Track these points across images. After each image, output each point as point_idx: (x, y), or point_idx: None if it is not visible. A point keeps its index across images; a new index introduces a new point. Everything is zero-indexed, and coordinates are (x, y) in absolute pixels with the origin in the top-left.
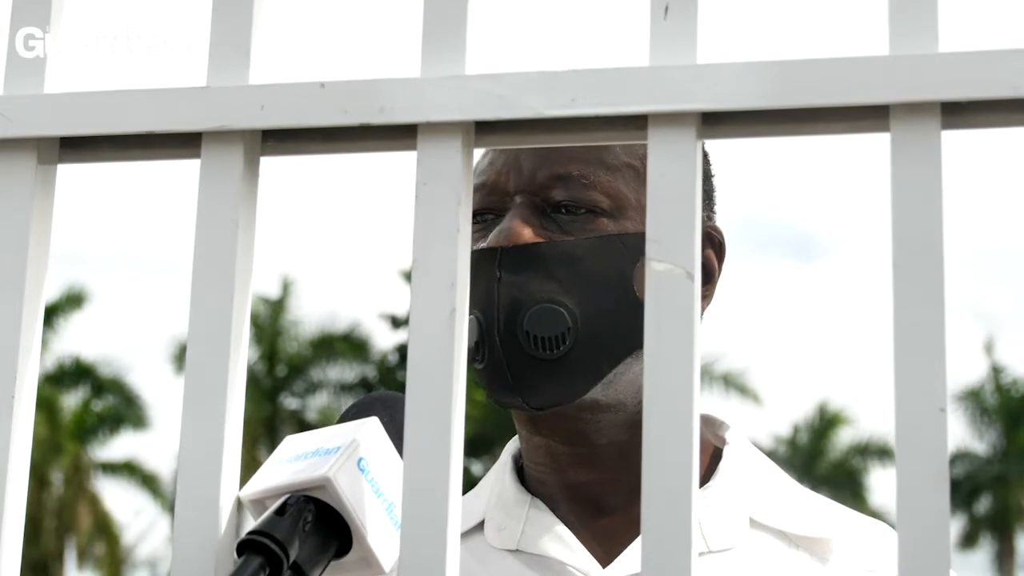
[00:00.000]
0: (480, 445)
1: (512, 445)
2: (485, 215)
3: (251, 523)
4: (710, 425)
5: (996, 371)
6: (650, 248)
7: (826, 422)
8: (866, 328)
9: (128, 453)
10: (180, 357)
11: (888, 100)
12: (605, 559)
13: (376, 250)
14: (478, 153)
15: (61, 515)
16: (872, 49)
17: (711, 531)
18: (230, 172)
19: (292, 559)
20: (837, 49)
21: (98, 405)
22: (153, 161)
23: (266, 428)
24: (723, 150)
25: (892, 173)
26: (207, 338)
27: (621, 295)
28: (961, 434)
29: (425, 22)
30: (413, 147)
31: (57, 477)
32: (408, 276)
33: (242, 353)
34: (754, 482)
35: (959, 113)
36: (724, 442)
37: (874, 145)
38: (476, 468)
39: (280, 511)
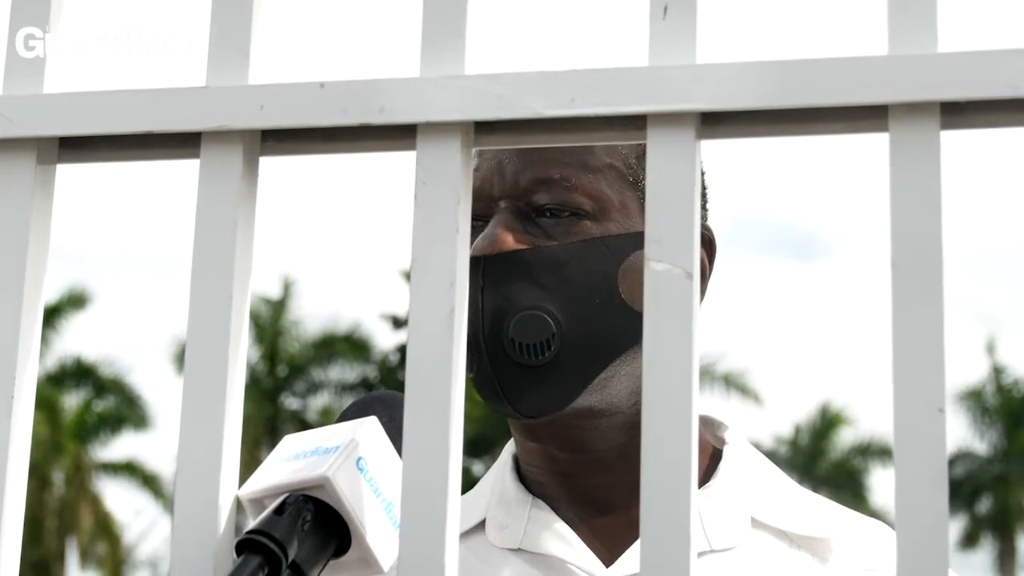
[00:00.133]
0: (480, 445)
1: (512, 444)
2: (472, 221)
3: (251, 523)
4: (708, 426)
5: (997, 371)
6: (649, 248)
7: (827, 422)
8: (867, 328)
9: (129, 453)
10: (181, 357)
11: (887, 100)
12: (608, 558)
13: (377, 250)
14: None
15: (62, 515)
16: (871, 49)
17: (713, 530)
18: (229, 172)
19: (291, 558)
20: (836, 49)
21: (99, 405)
22: (152, 161)
23: (267, 428)
24: (723, 150)
25: (891, 173)
26: (206, 338)
27: (606, 298)
28: (962, 434)
29: (424, 22)
30: (412, 147)
31: (58, 477)
32: (409, 276)
33: (241, 352)
34: (755, 482)
35: (958, 113)
36: (723, 442)
37: (875, 145)
38: (477, 468)
39: (279, 510)
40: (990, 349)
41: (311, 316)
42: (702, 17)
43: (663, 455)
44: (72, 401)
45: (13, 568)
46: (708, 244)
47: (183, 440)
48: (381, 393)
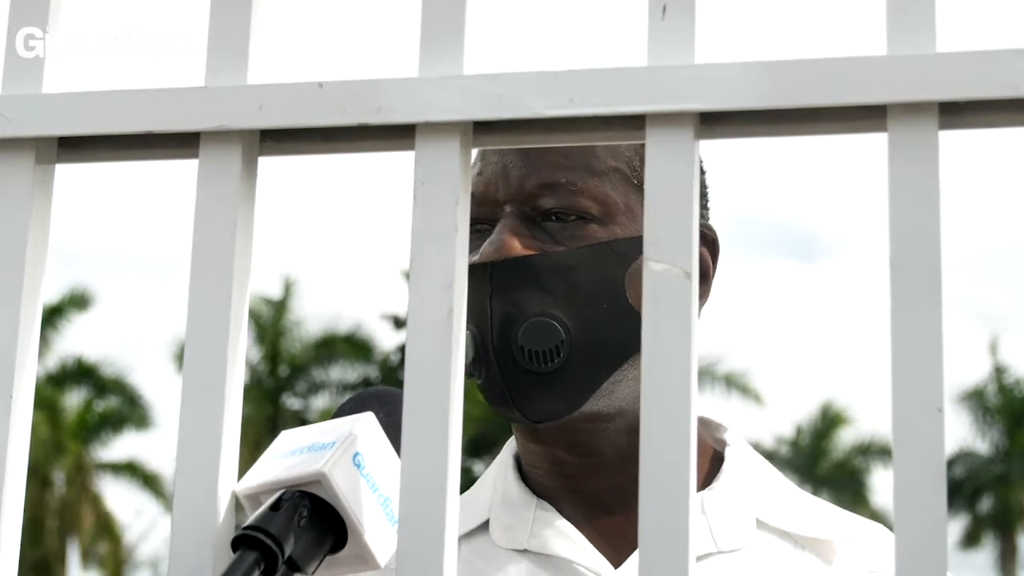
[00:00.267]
0: (481, 445)
1: (512, 443)
2: (477, 225)
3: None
4: (707, 427)
5: (999, 371)
6: (648, 248)
7: (828, 422)
8: (868, 328)
9: (130, 453)
10: (182, 357)
11: (886, 100)
12: (614, 558)
13: (378, 250)
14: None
15: (63, 515)
16: (870, 49)
17: (720, 531)
18: (228, 172)
19: (287, 554)
20: (835, 49)
21: (100, 405)
22: (151, 161)
23: (268, 428)
24: (723, 150)
25: (889, 173)
26: (206, 337)
27: (613, 303)
28: (963, 434)
29: (423, 22)
30: (411, 147)
31: (59, 477)
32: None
33: (240, 352)
34: (757, 484)
35: (957, 113)
36: (724, 444)
37: (875, 144)
38: (478, 468)
39: (275, 506)
40: (993, 349)
41: (312, 316)
42: (701, 17)
43: (662, 455)
44: (73, 401)
45: (12, 568)
46: (711, 244)
47: (182, 438)
48: (377, 389)
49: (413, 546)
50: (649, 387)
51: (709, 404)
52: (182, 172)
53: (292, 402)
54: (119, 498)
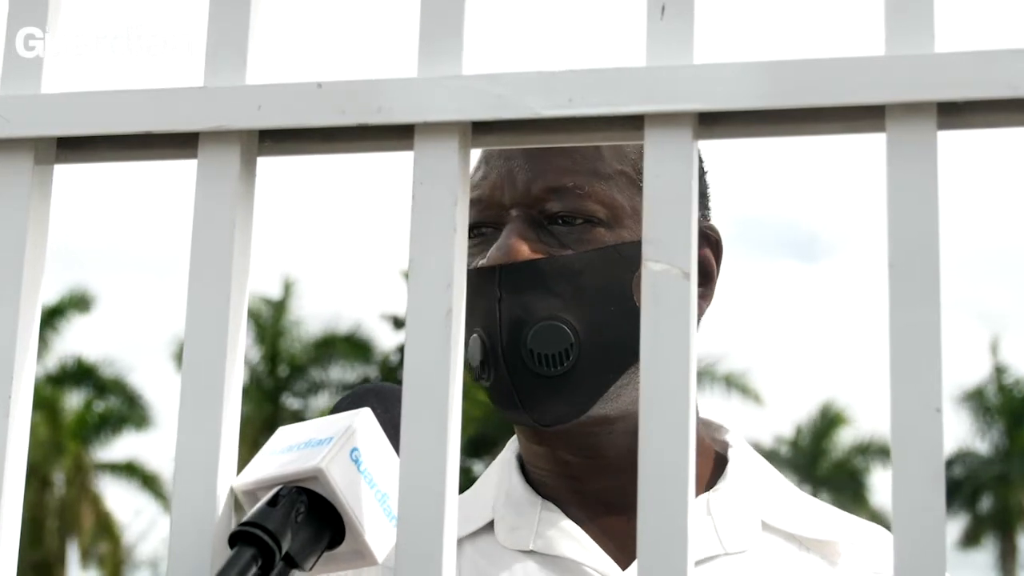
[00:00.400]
0: (480, 445)
1: (515, 443)
2: (482, 228)
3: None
4: (709, 428)
5: (999, 371)
6: (647, 248)
7: (828, 422)
8: (868, 328)
9: (129, 454)
10: (181, 357)
11: (884, 100)
12: (620, 559)
13: (378, 250)
14: (474, 157)
15: (63, 516)
16: (868, 49)
17: (726, 533)
18: (227, 172)
19: (284, 550)
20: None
21: (100, 406)
22: (150, 161)
23: (267, 428)
24: (724, 150)
25: (888, 173)
26: (205, 337)
27: (621, 306)
28: (963, 434)
29: (422, 22)
30: (410, 147)
31: (59, 478)
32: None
33: (239, 352)
34: (761, 485)
35: (955, 113)
36: (727, 445)
37: (876, 144)
38: (477, 468)
39: (272, 502)
40: (993, 349)
41: (312, 316)
42: (699, 17)
43: (661, 455)
44: (73, 401)
45: (12, 569)
46: (715, 245)
47: (181, 438)
48: (375, 385)
49: (413, 546)
50: (648, 388)
51: (709, 404)
52: (181, 172)
53: (291, 402)
54: (118, 498)
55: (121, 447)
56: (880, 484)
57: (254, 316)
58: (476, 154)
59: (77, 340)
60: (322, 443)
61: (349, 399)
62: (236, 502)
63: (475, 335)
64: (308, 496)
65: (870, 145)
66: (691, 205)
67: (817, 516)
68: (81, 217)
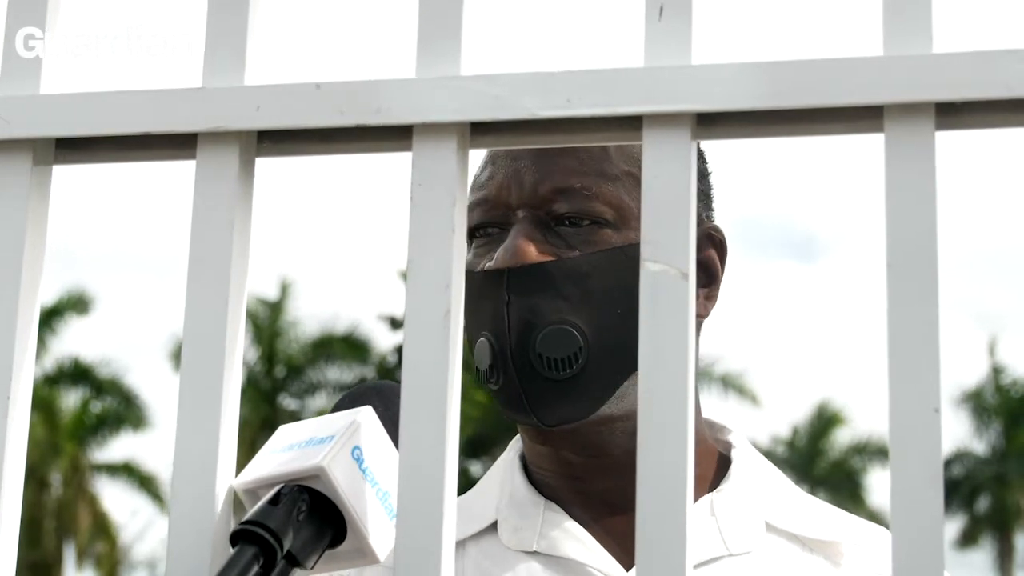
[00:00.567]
0: (478, 446)
1: (517, 443)
2: (488, 229)
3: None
4: (712, 428)
5: (996, 371)
6: (645, 249)
7: (825, 422)
8: (866, 328)
9: (127, 454)
10: (179, 357)
11: (882, 101)
12: (623, 559)
13: (375, 251)
14: (475, 159)
15: (60, 516)
16: (867, 50)
17: (730, 534)
18: (226, 173)
19: (286, 548)
20: (832, 50)
21: (97, 406)
22: (149, 162)
23: (264, 430)
24: (722, 150)
25: (886, 174)
26: (203, 337)
27: (628, 308)
28: (961, 434)
29: (421, 23)
30: (409, 148)
31: (56, 478)
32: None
33: (237, 352)
34: (764, 486)
35: (954, 114)
36: (729, 446)
37: (874, 144)
38: (475, 468)
39: (274, 500)
40: (991, 349)
41: (309, 317)
42: (697, 18)
43: (661, 455)
44: (70, 402)
45: (10, 569)
46: (719, 245)
47: (179, 438)
48: (376, 383)
49: (412, 547)
50: (647, 389)
51: (706, 405)
52: (180, 173)
53: (289, 403)
54: (115, 499)
55: (118, 448)
56: (877, 484)
57: (251, 317)
58: (481, 154)
59: (74, 340)
60: (324, 441)
61: (350, 397)
62: (237, 501)
63: (483, 338)
64: (310, 494)
65: (868, 145)
66: (689, 205)
67: (821, 517)
68: (79, 218)
